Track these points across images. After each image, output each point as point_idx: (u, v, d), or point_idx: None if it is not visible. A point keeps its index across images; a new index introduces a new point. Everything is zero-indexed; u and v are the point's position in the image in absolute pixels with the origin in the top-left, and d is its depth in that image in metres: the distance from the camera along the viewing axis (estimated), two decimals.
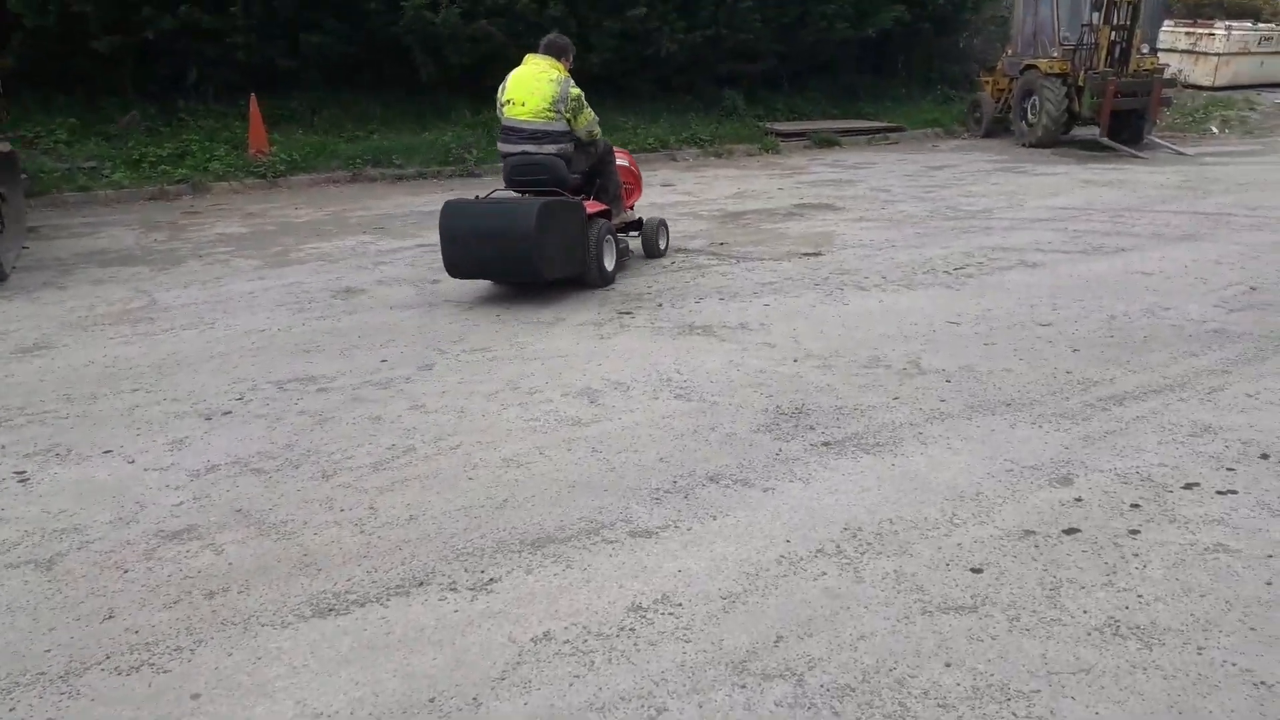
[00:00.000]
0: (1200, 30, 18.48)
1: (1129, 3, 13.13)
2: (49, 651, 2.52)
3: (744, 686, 2.33)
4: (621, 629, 2.57)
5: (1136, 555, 2.91)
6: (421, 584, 2.80)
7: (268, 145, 11.22)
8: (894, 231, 7.90)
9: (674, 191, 10.37)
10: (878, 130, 14.90)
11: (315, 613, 2.67)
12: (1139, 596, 2.69)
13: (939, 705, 2.26)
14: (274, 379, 4.56)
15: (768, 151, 13.60)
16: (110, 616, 2.67)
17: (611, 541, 3.00)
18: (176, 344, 5.16)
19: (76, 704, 2.32)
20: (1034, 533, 3.06)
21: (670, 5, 13.73)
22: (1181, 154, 12.87)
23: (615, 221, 6.42)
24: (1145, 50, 14.23)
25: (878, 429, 3.89)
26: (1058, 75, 13.34)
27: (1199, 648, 2.46)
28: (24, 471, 3.61)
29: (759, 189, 10.45)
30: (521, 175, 5.95)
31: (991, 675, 2.36)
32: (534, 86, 5.85)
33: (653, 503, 3.25)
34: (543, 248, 5.44)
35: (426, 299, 5.94)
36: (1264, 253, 6.87)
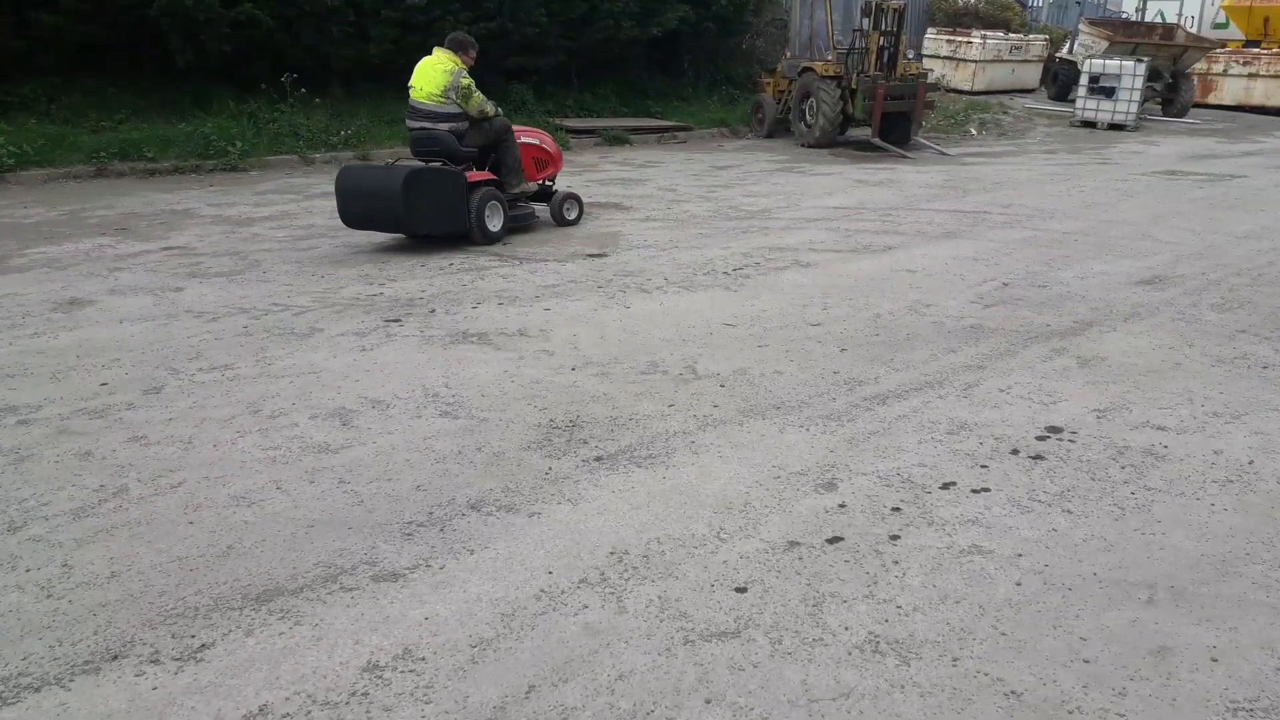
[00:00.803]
0: (959, 38, 19.88)
1: (895, 10, 13.90)
2: None
3: None
4: (353, 694, 2.27)
5: (897, 562, 2.90)
6: (116, 657, 2.38)
7: None
8: (678, 232, 7.89)
9: None
10: (667, 129, 15.05)
11: None
12: (898, 608, 2.67)
13: None
14: None
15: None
16: None
17: (351, 589, 2.68)
18: None
19: None
20: (799, 544, 2.99)
21: None
22: (945, 154, 13.73)
23: (517, 190, 7.46)
24: (911, 56, 15.13)
25: (651, 440, 3.75)
26: (833, 78, 13.91)
27: (954, 659, 2.45)
28: None
29: None
30: (420, 147, 7.07)
31: (752, 709, 2.24)
32: (431, 75, 6.93)
33: (403, 539, 2.95)
34: (411, 206, 6.49)
35: (165, 310, 5.32)
36: (1015, 249, 7.33)
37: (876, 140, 13.58)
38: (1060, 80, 19.19)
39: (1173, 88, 18.37)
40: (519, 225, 7.61)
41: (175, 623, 2.52)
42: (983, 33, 20.04)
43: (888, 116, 13.61)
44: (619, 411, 4.02)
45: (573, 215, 8.04)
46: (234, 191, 9.46)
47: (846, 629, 2.56)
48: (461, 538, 2.98)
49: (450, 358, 4.63)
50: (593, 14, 14.60)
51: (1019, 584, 2.79)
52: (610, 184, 10.56)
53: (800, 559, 2.91)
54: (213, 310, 5.33)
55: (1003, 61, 20.07)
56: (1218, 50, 20.09)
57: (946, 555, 2.94)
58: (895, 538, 3.05)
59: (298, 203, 8.92)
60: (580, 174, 11.20)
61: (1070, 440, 3.81)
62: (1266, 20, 21.23)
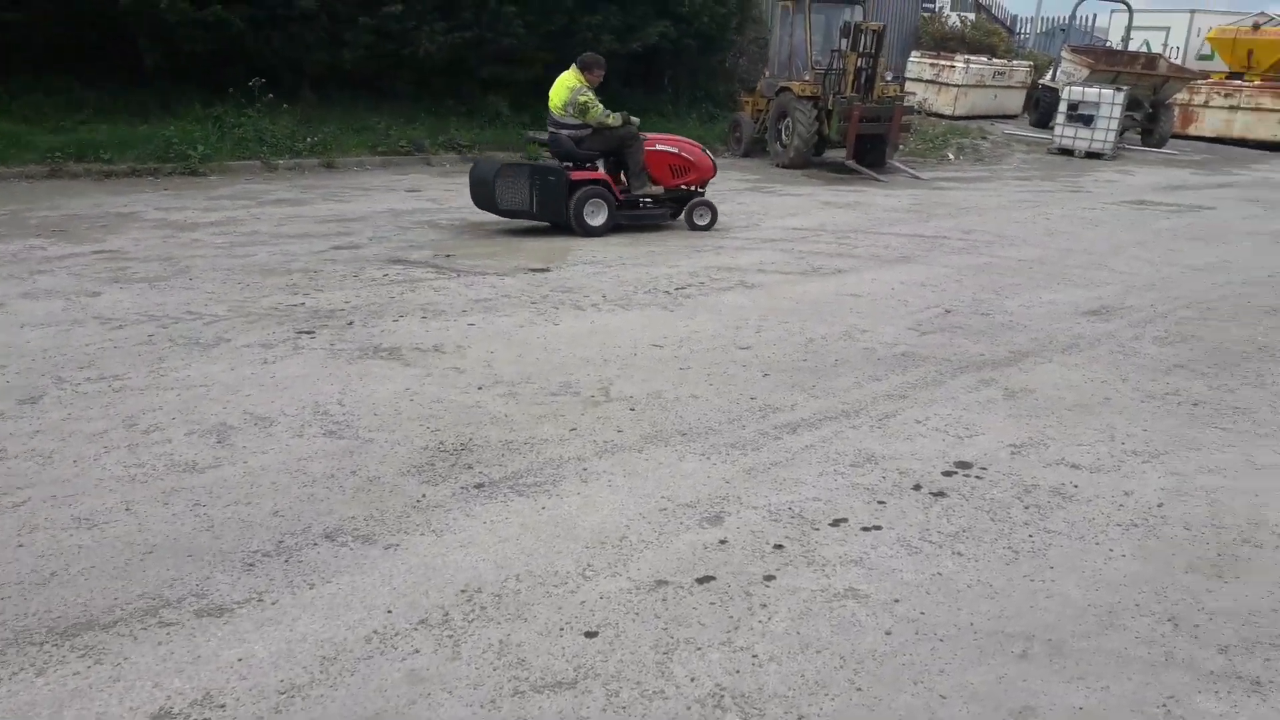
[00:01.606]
0: (943, 62, 19.82)
1: (874, 32, 13.82)
2: None
3: None
4: None
5: (764, 606, 2.74)
6: None
7: None
8: (631, 248, 7.75)
9: (418, 198, 9.83)
10: None
11: None
12: (754, 657, 2.50)
13: None
14: None
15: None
16: None
17: (170, 624, 2.51)
18: None
19: None
20: (667, 582, 2.83)
21: (429, 4, 13.16)
22: (917, 178, 13.62)
23: (640, 192, 8.39)
24: (889, 78, 15.02)
25: (541, 466, 3.59)
26: (809, 98, 13.80)
27: (799, 717, 2.28)
28: None
29: None
30: (549, 148, 8.50)
31: None
32: (558, 90, 8.15)
33: (243, 570, 2.78)
34: (502, 193, 7.75)
35: (73, 316, 5.15)
36: (967, 275, 7.20)
37: (850, 162, 13.47)
38: (1042, 107, 19.14)
39: (1152, 118, 18.32)
40: (643, 224, 8.50)
41: None
42: (966, 57, 19.99)
43: (863, 139, 13.49)
44: (515, 435, 3.86)
45: (704, 221, 8.61)
46: (186, 196, 9.30)
47: (693, 680, 2.40)
48: (305, 570, 2.81)
49: (353, 373, 4.47)
50: (572, 26, 14.50)
51: (889, 633, 2.64)
52: None
53: (664, 600, 2.75)
54: (122, 317, 5.16)
55: (985, 87, 20.02)
56: (1199, 81, 20.07)
57: (819, 599, 2.79)
58: (770, 578, 2.89)
59: (248, 209, 8.77)
60: None
61: (977, 477, 3.66)
62: (1250, 53, 21.23)
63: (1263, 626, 2.74)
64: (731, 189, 11.78)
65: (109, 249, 6.82)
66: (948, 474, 3.67)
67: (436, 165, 12.44)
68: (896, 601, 2.79)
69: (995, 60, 20.79)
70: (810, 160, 14.04)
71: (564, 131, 8.16)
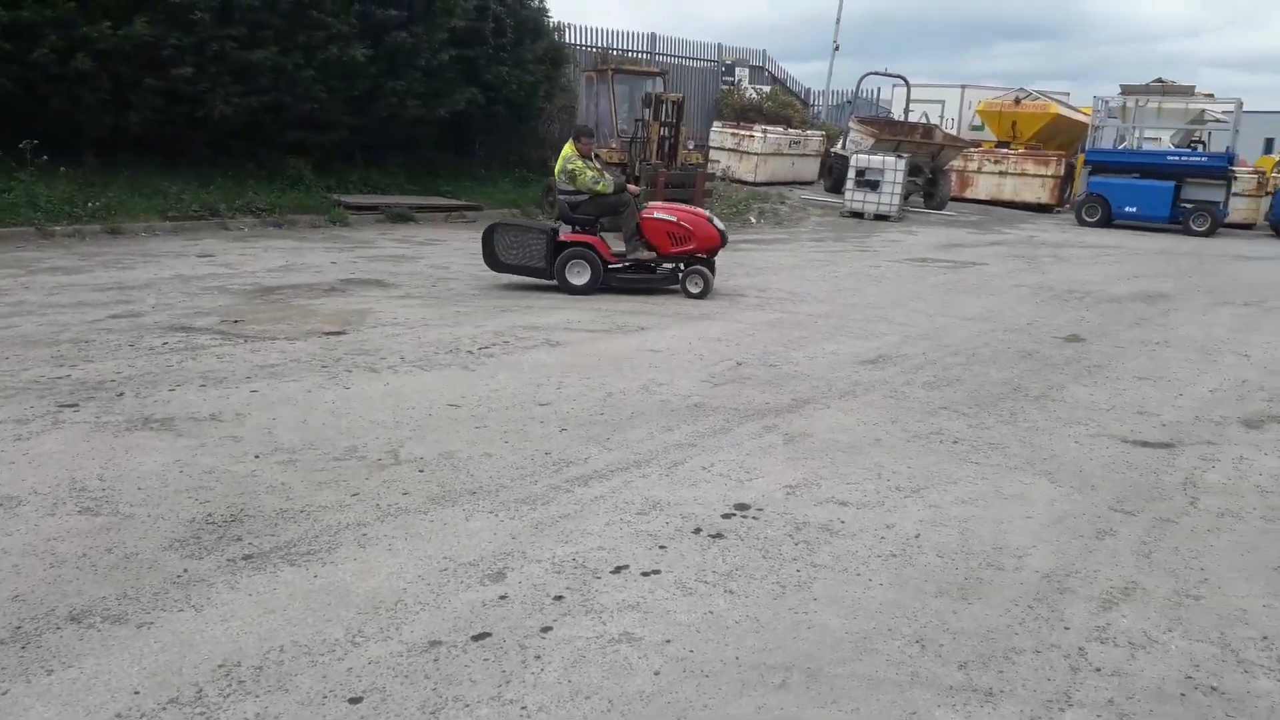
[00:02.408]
0: (743, 132, 20.95)
1: (674, 102, 14.50)
2: None
3: None
4: None
5: (538, 657, 2.75)
6: None
7: None
8: (435, 310, 7.70)
9: (211, 263, 9.42)
10: (455, 208, 14.92)
11: None
12: (523, 709, 2.50)
13: None
14: None
15: (336, 224, 13.02)
16: None
17: None
18: None
19: None
20: (441, 643, 2.79)
21: (223, 67, 12.76)
22: None
23: (632, 257, 8.95)
24: (691, 146, 15.76)
25: (317, 534, 3.48)
26: (617, 165, 14.26)
27: None
28: None
29: (311, 262, 9.84)
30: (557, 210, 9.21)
31: None
32: (560, 158, 8.91)
33: None
34: (494, 247, 8.83)
35: None
36: (760, 330, 7.56)
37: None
38: (835, 173, 20.49)
39: (933, 182, 20.00)
40: (634, 287, 9.00)
41: None
42: (764, 128, 21.21)
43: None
44: (292, 503, 3.73)
45: (696, 289, 8.84)
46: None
47: None
48: (45, 656, 2.60)
49: (119, 446, 4.20)
50: (376, 91, 14.42)
51: (657, 673, 2.70)
52: (380, 260, 10.28)
53: (435, 660, 2.71)
54: None
55: (783, 155, 21.27)
56: (972, 149, 22.11)
57: (593, 646, 2.82)
58: (547, 630, 2.90)
59: (16, 278, 8.14)
60: (350, 250, 10.87)
61: (754, 517, 3.82)
62: (1014, 124, 23.63)
63: (998, 641, 2.98)
64: None
65: None
66: (726, 516, 3.82)
67: (234, 230, 11.98)
68: (668, 642, 2.87)
69: (791, 130, 22.15)
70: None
71: (562, 196, 8.93)
